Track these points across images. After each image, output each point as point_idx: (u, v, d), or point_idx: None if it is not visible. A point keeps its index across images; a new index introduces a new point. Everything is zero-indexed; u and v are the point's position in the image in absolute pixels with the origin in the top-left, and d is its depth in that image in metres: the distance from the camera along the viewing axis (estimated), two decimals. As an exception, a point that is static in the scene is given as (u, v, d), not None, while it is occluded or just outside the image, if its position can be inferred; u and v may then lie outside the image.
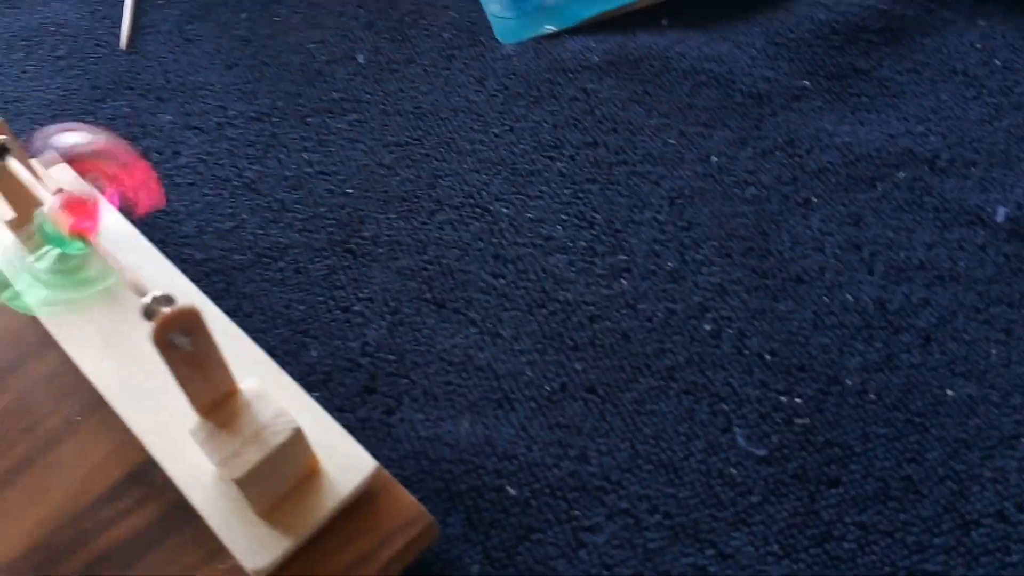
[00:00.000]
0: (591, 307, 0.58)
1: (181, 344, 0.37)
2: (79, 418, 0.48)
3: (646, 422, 0.53)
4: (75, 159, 0.47)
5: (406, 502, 0.44)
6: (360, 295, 0.60)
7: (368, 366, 0.56)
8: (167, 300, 0.36)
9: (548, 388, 0.54)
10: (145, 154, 0.64)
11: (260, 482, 0.42)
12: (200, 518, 0.44)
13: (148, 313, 0.36)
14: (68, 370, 0.50)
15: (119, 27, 0.79)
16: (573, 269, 0.60)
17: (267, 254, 0.62)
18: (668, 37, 0.75)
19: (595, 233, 0.61)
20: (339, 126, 0.70)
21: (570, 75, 0.72)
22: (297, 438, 0.42)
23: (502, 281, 0.59)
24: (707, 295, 0.58)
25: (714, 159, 0.65)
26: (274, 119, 0.71)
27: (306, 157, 0.68)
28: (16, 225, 0.51)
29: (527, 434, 0.52)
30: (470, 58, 0.74)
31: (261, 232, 0.63)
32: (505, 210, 0.63)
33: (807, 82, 0.70)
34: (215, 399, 0.42)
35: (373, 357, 0.56)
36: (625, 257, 0.60)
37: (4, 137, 0.45)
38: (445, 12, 0.79)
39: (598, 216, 0.62)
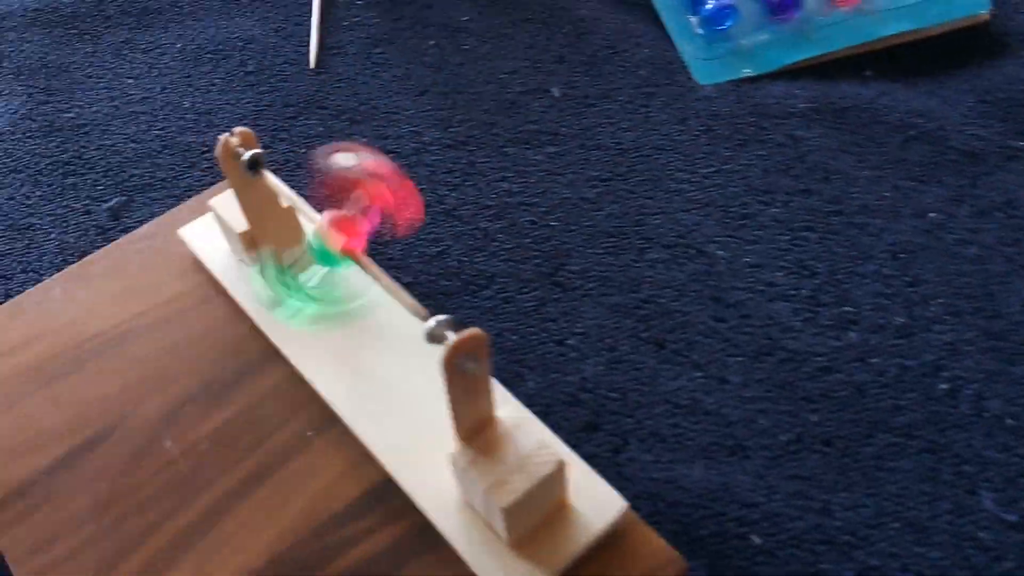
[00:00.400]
0: (820, 358, 0.56)
1: (469, 369, 0.36)
2: (310, 433, 0.47)
3: (887, 479, 0.51)
4: (346, 178, 0.47)
5: (657, 545, 0.43)
6: (574, 329, 0.58)
7: (589, 402, 0.54)
8: (452, 324, 0.35)
9: (783, 438, 0.52)
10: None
11: (520, 512, 0.40)
12: (446, 543, 0.43)
13: (433, 337, 0.35)
14: (294, 385, 0.49)
15: (305, 45, 0.79)
16: (798, 318, 0.58)
17: (474, 281, 0.61)
18: (872, 88, 0.73)
19: (818, 283, 0.60)
20: (537, 158, 0.69)
21: (776, 120, 0.70)
22: (559, 471, 0.41)
23: (724, 325, 0.57)
24: (940, 354, 0.56)
25: (931, 215, 0.64)
26: (470, 148, 0.70)
27: (505, 187, 0.67)
28: (248, 239, 0.51)
29: (766, 483, 0.50)
30: (669, 97, 0.73)
31: (466, 259, 0.63)
32: (721, 252, 0.61)
33: (1022, 143, 0.68)
34: (476, 426, 0.41)
35: (593, 393, 0.55)
36: (851, 309, 0.58)
37: (259, 150, 0.44)
38: (639, 49, 0.78)
39: (819, 266, 0.60)
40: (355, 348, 0.50)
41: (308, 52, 0.78)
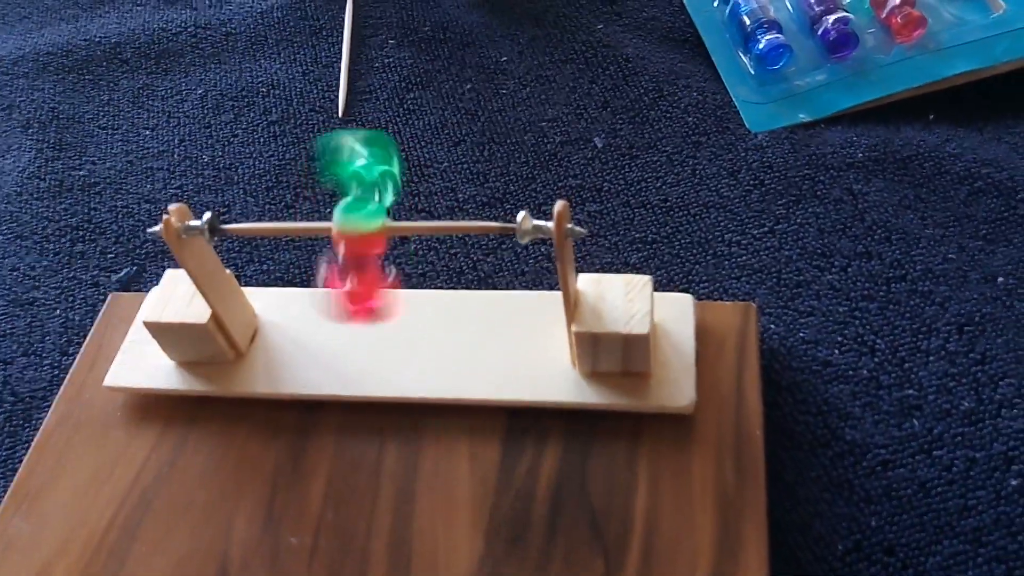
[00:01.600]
0: (882, 451, 0.54)
1: (576, 234, 0.42)
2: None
3: (955, 593, 0.49)
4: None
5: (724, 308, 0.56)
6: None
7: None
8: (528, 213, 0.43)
9: (841, 547, 0.51)
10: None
11: (646, 340, 0.47)
12: (601, 431, 0.50)
13: (526, 231, 0.42)
14: (355, 424, 0.52)
15: (333, 91, 0.78)
16: (857, 403, 0.56)
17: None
18: (936, 134, 0.71)
19: (878, 361, 0.58)
20: (578, 216, 0.68)
21: (833, 172, 0.68)
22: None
23: (777, 413, 0.56)
24: (1011, 443, 0.55)
25: (1000, 280, 0.62)
26: (508, 205, 0.69)
27: (544, 251, 0.66)
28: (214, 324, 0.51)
29: (822, 600, 0.49)
30: (719, 147, 0.71)
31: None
32: (773, 326, 0.60)
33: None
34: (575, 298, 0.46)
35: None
36: (914, 392, 0.57)
37: (210, 213, 0.46)
38: (687, 93, 0.76)
39: (880, 341, 0.59)
40: (367, 347, 0.53)
41: (337, 98, 0.76)
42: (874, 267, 0.64)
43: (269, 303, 0.55)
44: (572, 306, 0.45)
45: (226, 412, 0.52)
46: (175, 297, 0.51)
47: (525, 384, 0.49)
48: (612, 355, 0.47)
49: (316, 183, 0.71)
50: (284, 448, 0.50)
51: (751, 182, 0.69)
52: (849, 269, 0.64)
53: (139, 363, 0.51)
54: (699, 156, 0.72)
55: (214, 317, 0.48)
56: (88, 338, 0.55)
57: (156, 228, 0.44)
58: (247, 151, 0.75)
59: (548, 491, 0.46)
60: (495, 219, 0.68)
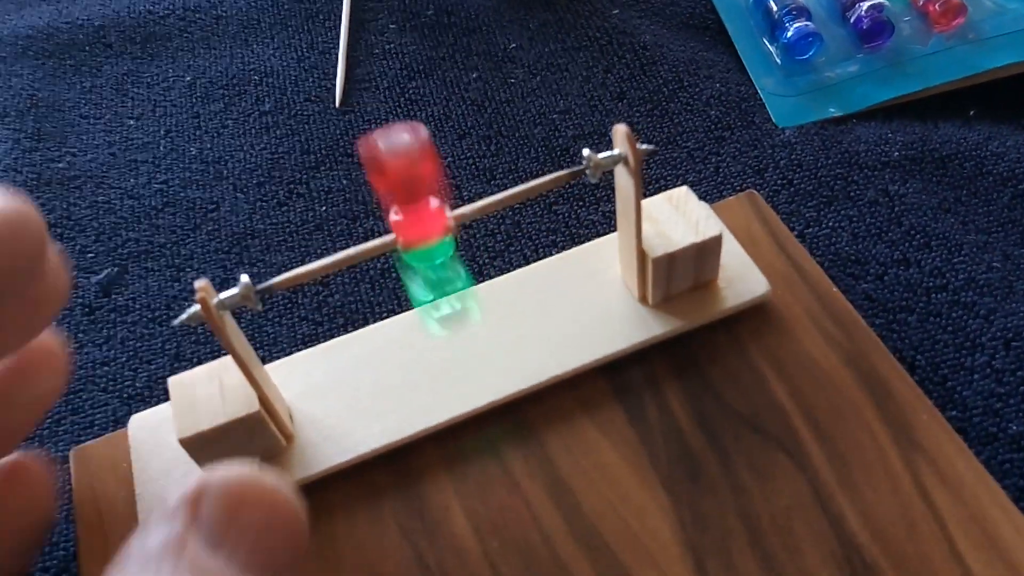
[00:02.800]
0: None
1: (648, 150, 0.42)
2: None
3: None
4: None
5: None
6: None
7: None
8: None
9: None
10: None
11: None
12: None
13: (599, 163, 0.43)
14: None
15: (331, 79, 0.75)
16: (897, 424, 0.52)
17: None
18: (977, 131, 0.67)
19: (919, 379, 0.55)
20: (592, 218, 0.64)
21: (867, 172, 0.65)
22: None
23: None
24: (1064, 470, 0.50)
25: (1050, 291, 0.58)
26: (515, 206, 0.65)
27: (555, 253, 0.62)
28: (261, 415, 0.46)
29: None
30: (743, 143, 0.68)
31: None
32: (805, 340, 0.56)
33: None
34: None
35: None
36: (957, 413, 0.53)
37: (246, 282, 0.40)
38: (709, 83, 0.72)
39: (920, 357, 0.55)
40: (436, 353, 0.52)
41: (334, 87, 0.73)
42: (912, 275, 0.60)
43: (282, 373, 0.50)
44: (639, 236, 0.46)
45: (313, 504, 0.47)
46: (199, 400, 0.43)
47: (607, 337, 0.48)
48: (685, 272, 0.48)
49: (311, 178, 0.67)
50: (398, 506, 0.47)
51: (779, 181, 0.65)
52: (885, 277, 0.60)
53: None
54: (722, 152, 0.68)
55: (262, 403, 0.41)
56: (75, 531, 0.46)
57: (191, 312, 0.39)
58: (237, 143, 0.71)
59: (692, 420, 0.47)
60: (504, 221, 0.64)
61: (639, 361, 0.48)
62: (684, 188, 0.48)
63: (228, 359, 0.44)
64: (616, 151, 0.41)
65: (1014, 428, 0.53)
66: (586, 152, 0.41)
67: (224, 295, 0.40)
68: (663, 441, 0.45)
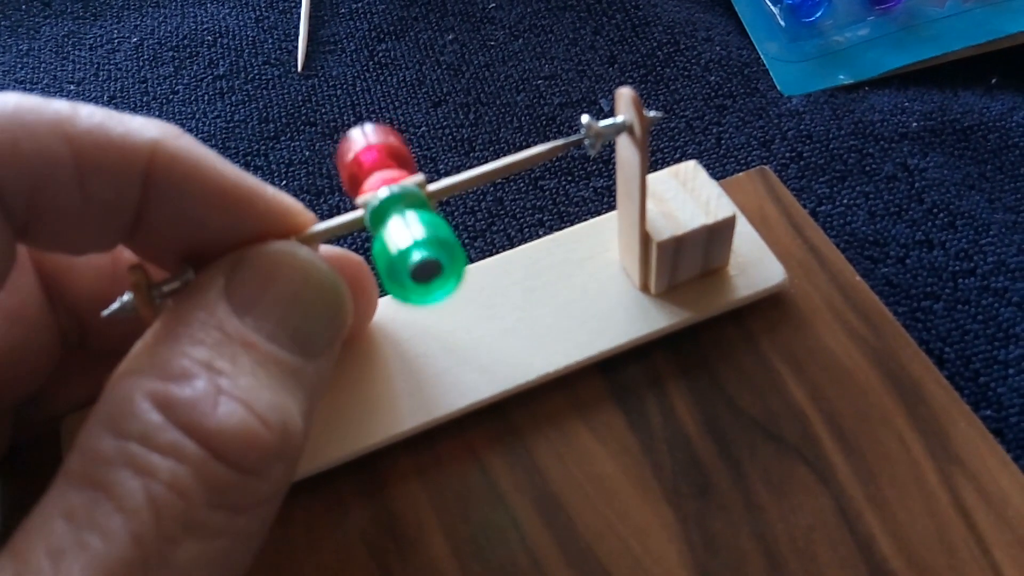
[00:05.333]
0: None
1: (655, 117, 0.37)
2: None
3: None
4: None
5: None
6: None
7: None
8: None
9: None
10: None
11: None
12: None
13: (599, 132, 0.38)
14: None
15: (292, 40, 0.70)
16: (925, 427, 0.47)
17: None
18: (1001, 101, 0.63)
19: (948, 374, 0.50)
20: (582, 194, 0.59)
21: (883, 144, 0.60)
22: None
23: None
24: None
25: (1086, 275, 0.53)
26: (498, 180, 0.60)
27: (542, 234, 0.57)
28: None
29: None
30: (747, 112, 0.63)
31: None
32: (820, 332, 0.51)
33: None
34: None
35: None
36: (991, 413, 0.49)
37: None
38: (708, 46, 0.67)
39: (948, 349, 0.51)
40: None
41: (295, 50, 0.68)
42: (937, 258, 0.55)
43: None
44: (643, 217, 0.41)
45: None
46: None
47: (604, 330, 0.44)
48: (693, 258, 0.44)
49: (270, 148, 0.62)
50: (366, 522, 0.43)
51: (787, 154, 0.61)
52: (907, 261, 0.56)
53: None
54: (724, 123, 0.63)
55: None
56: None
57: (124, 301, 0.34)
58: (189, 111, 0.66)
59: (700, 426, 0.42)
60: (484, 198, 0.59)
61: (640, 358, 0.44)
62: (693, 163, 0.44)
63: None
64: (620, 118, 0.37)
65: (1054, 430, 0.49)
66: (585, 119, 0.38)
67: (162, 282, 0.34)
68: (667, 449, 0.41)
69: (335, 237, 0.38)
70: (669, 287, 0.47)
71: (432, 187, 0.37)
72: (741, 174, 0.55)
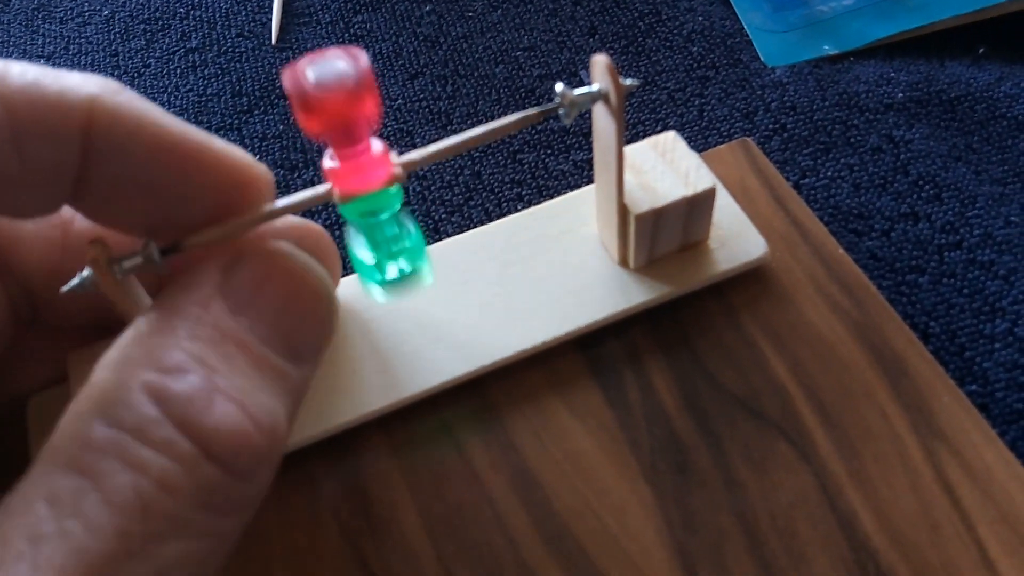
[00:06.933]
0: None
1: (631, 85, 0.37)
2: None
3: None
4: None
5: None
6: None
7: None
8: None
9: None
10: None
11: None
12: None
13: (575, 100, 0.37)
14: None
15: (266, 12, 0.69)
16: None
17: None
18: (988, 71, 0.62)
19: (933, 348, 0.50)
20: (562, 167, 0.59)
21: (868, 116, 0.59)
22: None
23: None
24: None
25: (1074, 248, 0.53)
26: (476, 153, 0.59)
27: (521, 208, 0.57)
28: None
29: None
30: (730, 83, 0.62)
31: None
32: (803, 306, 0.50)
33: None
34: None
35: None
36: (978, 388, 0.49)
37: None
38: (690, 16, 0.67)
39: (933, 324, 0.50)
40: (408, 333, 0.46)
41: (269, 21, 0.67)
42: (922, 231, 0.55)
43: None
44: (621, 189, 0.41)
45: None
46: None
47: (581, 305, 0.43)
48: (672, 231, 0.43)
49: (243, 122, 0.61)
50: (339, 502, 0.42)
51: (771, 126, 0.60)
52: (892, 234, 0.55)
53: None
54: (707, 94, 0.62)
55: None
56: None
57: (83, 276, 0.33)
58: (161, 84, 0.65)
59: (679, 402, 0.42)
60: (462, 171, 0.58)
61: (618, 333, 0.43)
62: (672, 133, 0.43)
63: None
64: (595, 87, 0.36)
65: (1043, 406, 0.48)
66: (559, 87, 0.37)
67: (123, 257, 0.33)
68: (646, 426, 0.41)
69: (300, 212, 0.37)
70: (648, 261, 0.46)
71: (405, 157, 0.37)
72: (723, 146, 0.54)
